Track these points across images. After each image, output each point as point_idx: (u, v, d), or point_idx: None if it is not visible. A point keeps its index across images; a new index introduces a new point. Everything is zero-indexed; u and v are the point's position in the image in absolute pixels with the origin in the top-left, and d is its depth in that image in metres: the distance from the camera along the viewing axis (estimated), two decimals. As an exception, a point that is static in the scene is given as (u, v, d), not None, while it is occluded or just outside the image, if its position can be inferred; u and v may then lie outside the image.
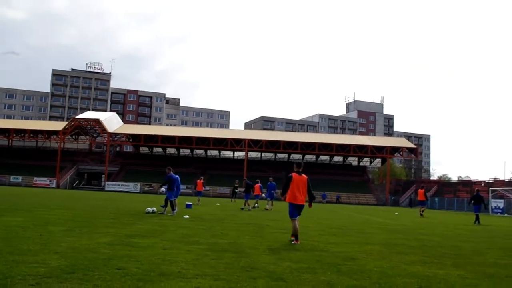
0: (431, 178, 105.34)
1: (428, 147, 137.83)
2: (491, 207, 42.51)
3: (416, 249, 8.68)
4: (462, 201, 48.18)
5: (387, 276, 5.54)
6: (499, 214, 40.45)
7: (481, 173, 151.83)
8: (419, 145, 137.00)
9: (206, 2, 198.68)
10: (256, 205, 29.00)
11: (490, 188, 44.40)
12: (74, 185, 68.33)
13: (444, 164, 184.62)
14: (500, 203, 41.89)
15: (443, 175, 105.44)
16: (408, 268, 6.28)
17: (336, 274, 5.52)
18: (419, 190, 26.99)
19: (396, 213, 29.27)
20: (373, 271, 5.88)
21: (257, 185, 29.69)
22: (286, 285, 4.75)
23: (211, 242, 8.07)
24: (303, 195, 8.82)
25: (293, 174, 8.94)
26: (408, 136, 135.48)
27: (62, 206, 17.17)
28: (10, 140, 76.07)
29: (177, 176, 15.60)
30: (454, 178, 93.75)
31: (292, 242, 8.57)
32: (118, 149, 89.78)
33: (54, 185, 64.69)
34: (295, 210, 8.79)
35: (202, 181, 27.16)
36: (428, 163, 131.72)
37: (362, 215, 24.84)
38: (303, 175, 8.97)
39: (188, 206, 20.54)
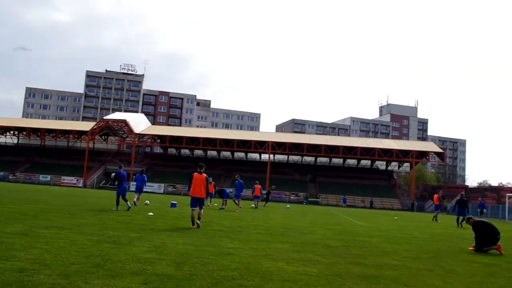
0: (466, 183, 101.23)
1: (464, 152, 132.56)
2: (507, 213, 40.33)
3: (325, 248, 8.05)
4: (487, 207, 46.62)
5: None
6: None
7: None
8: (453, 150, 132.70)
9: (239, 6, 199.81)
10: (253, 205, 28.69)
11: (507, 194, 42.13)
12: (100, 184, 69.76)
13: (483, 169, 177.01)
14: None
15: (484, 181, 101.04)
16: (272, 264, 5.68)
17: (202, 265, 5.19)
18: (434, 195, 27.33)
19: (396, 217, 28.28)
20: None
21: (257, 186, 29.28)
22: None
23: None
24: (202, 190, 11.06)
25: (195, 173, 11.18)
26: (443, 141, 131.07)
27: (33, 202, 17.59)
28: (43, 140, 78.59)
29: (125, 173, 16.26)
30: (495, 184, 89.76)
31: (194, 226, 10.92)
32: (148, 150, 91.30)
33: (81, 185, 66.19)
34: (195, 202, 11.08)
35: (212, 183, 26.31)
36: (463, 168, 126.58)
37: (347, 217, 24.28)
38: (203, 174, 11.19)
39: (172, 205, 20.51)
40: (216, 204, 24.35)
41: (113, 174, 17.16)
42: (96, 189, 62.47)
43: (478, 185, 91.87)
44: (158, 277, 4.95)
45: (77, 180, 66.85)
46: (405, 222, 22.98)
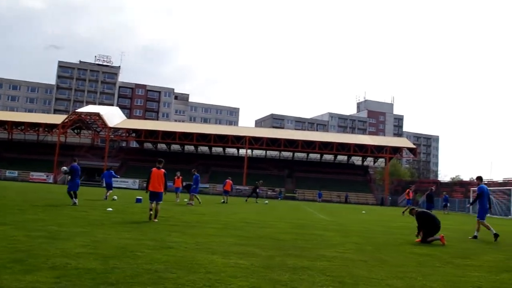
0: (439, 178, 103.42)
1: (437, 148, 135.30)
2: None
3: (267, 240, 8.03)
4: (455, 201, 48.90)
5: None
6: (488, 214, 39.34)
7: (496, 174, 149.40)
8: (427, 146, 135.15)
9: (215, 1, 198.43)
10: (223, 200, 28.70)
11: (472, 189, 43.48)
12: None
13: (456, 164, 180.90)
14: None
15: (456, 176, 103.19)
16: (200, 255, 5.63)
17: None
18: (407, 190, 28.75)
19: (364, 211, 28.72)
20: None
21: (229, 181, 29.26)
22: None
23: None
24: (160, 185, 11.73)
25: (153, 168, 11.94)
26: (417, 137, 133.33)
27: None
28: (10, 133, 75.91)
29: (79, 167, 16.23)
30: (467, 179, 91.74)
31: (151, 219, 11.50)
32: (124, 144, 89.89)
33: (51, 180, 64.57)
34: (152, 196, 11.73)
35: (180, 178, 25.90)
36: (436, 163, 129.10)
37: (314, 212, 24.52)
38: (162, 169, 11.89)
39: (138, 200, 20.32)
40: (185, 200, 24.16)
41: (65, 168, 16.87)
42: (67, 184, 61.17)
43: (450, 180, 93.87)
44: (76, 271, 4.84)
45: (47, 176, 65.01)
46: (370, 216, 23.23)
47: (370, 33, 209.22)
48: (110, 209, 14.69)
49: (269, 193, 64.10)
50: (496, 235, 11.69)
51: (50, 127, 69.74)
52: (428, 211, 10.99)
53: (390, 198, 66.10)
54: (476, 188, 9.41)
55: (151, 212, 11.61)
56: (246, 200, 32.57)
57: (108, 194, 21.71)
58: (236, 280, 4.80)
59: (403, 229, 14.43)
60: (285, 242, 8.63)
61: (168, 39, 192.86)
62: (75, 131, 75.98)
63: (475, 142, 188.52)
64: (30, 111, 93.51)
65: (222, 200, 28.91)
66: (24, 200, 16.75)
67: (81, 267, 5.03)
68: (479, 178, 12.75)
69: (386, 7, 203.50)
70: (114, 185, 27.13)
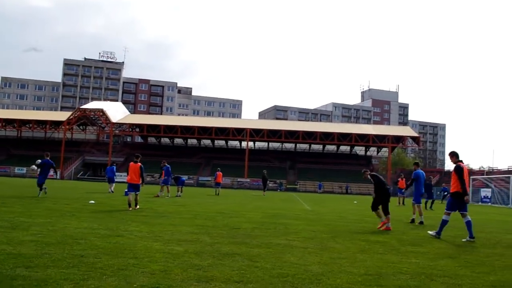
0: (445, 168, 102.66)
1: (443, 136, 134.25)
2: (481, 196, 41.41)
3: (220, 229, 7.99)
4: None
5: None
6: (489, 203, 39.23)
7: (500, 162, 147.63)
8: (433, 134, 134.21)
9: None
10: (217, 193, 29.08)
11: (471, 177, 43.23)
12: (78, 176, 69.40)
13: (465, 153, 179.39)
14: (488, 193, 40.69)
15: (466, 165, 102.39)
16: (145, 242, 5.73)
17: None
18: (399, 179, 27.24)
19: (355, 202, 28.89)
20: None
21: (219, 173, 29.69)
22: None
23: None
24: (137, 177, 13.03)
25: (131, 163, 13.28)
26: (423, 125, 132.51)
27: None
28: (19, 131, 77.39)
29: (52, 161, 17.22)
30: (476, 168, 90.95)
31: (132, 207, 12.74)
32: (129, 139, 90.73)
33: (58, 176, 65.49)
34: (131, 187, 13.13)
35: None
36: (443, 152, 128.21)
37: (302, 202, 24.52)
38: (138, 163, 13.17)
39: (126, 193, 20.70)
40: (165, 194, 24.33)
41: (39, 161, 17.41)
42: (74, 180, 62.15)
43: (479, 169, 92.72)
44: (6, 256, 5.12)
45: (54, 172, 66.11)
46: (359, 206, 23.35)
47: (374, 21, 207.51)
48: (92, 201, 15.13)
49: (270, 185, 64.41)
50: (420, 223, 12.43)
51: (56, 124, 70.93)
52: (379, 175, 11.40)
53: (392, 188, 65.96)
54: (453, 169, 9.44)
55: (130, 202, 12.93)
56: (264, 194, 31.45)
57: (112, 188, 23.57)
58: (152, 264, 5.03)
59: (375, 218, 14.62)
60: (242, 231, 8.82)
61: (172, 34, 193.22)
62: (81, 127, 76.94)
63: (483, 130, 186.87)
64: (38, 109, 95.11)
65: (216, 192, 29.35)
66: (10, 196, 17.18)
67: (14, 253, 5.32)
68: (416, 164, 13.47)
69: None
70: (117, 180, 27.79)
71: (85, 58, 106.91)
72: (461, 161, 9.48)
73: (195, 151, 77.75)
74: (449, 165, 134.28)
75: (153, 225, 9.09)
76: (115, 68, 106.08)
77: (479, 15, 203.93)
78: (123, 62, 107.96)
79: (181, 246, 6.56)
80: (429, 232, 9.81)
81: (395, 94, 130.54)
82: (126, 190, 21.21)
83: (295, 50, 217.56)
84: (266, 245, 7.07)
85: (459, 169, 9.15)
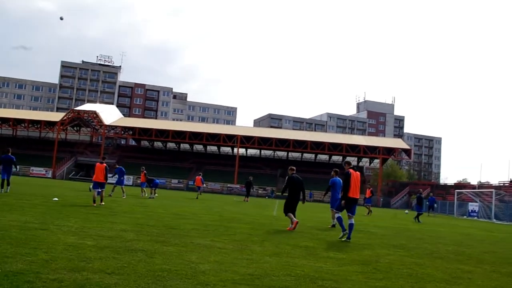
0: (441, 181, 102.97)
1: (439, 150, 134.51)
2: (468, 210, 41.40)
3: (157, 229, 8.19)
4: (446, 204, 48.46)
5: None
6: (476, 218, 39.18)
7: (493, 177, 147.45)
8: (429, 147, 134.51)
9: (214, 2, 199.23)
10: (199, 195, 29.56)
11: (456, 191, 43.27)
12: (70, 176, 69.58)
13: (460, 166, 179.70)
14: (475, 207, 40.69)
15: (463, 179, 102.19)
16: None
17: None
18: (367, 189, 27.67)
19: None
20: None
21: (198, 177, 30.08)
22: None
23: None
24: (102, 176, 14.68)
25: (97, 163, 15.07)
26: (419, 138, 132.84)
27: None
28: (15, 130, 77.89)
29: (13, 157, 17.43)
30: (474, 183, 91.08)
31: (97, 203, 14.16)
32: (123, 142, 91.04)
33: (50, 175, 65.93)
34: (96, 185, 14.61)
35: (144, 172, 26.43)
36: (438, 166, 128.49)
37: (274, 208, 24.46)
38: (104, 163, 15.02)
39: (99, 193, 21.02)
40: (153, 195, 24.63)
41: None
42: (66, 180, 62.33)
43: (457, 182, 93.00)
44: None
45: (46, 171, 66.54)
46: (327, 214, 23.36)
47: (370, 33, 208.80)
48: (56, 198, 15.34)
49: (259, 192, 64.59)
50: (333, 226, 13.28)
51: (50, 124, 71.33)
52: (299, 177, 11.74)
53: (382, 199, 66.01)
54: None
55: (96, 198, 14.37)
56: (247, 200, 31.48)
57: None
58: (42, 254, 5.28)
59: (323, 223, 14.89)
60: (176, 231, 8.98)
61: (171, 40, 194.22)
62: (75, 128, 77.34)
63: (482, 144, 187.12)
64: (34, 109, 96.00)
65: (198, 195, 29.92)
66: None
67: None
68: (336, 172, 13.44)
69: (386, 6, 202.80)
70: (109, 181, 27.78)
71: (82, 61, 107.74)
72: (353, 168, 10.23)
73: (187, 156, 78.02)
74: (444, 178, 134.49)
75: (91, 222, 9.32)
76: (112, 71, 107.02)
77: (475, 30, 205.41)
78: (120, 66, 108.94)
79: (95, 241, 6.77)
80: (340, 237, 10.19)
81: (391, 106, 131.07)
82: (91, 186, 21.64)
83: (292, 60, 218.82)
84: (184, 244, 7.24)
85: (346, 175, 9.85)
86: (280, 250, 7.52)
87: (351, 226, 9.78)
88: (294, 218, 11.33)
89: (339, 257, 7.37)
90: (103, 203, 14.56)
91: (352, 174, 9.85)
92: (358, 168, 79.36)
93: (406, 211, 31.03)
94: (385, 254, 8.40)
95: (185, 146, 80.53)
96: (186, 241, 7.61)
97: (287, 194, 11.53)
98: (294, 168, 12.05)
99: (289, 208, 11.42)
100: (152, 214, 12.79)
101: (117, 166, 23.33)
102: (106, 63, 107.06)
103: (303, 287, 4.87)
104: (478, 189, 54.44)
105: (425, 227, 18.73)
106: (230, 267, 5.58)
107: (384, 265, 6.90)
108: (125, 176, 23.51)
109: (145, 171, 25.01)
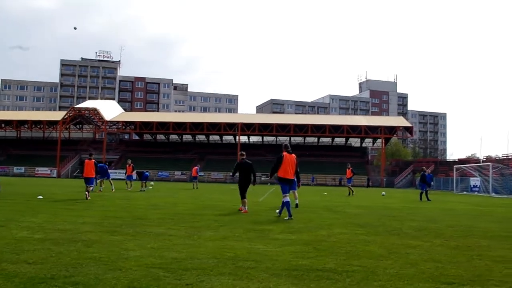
0: (447, 157, 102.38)
1: (444, 126, 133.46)
2: (470, 185, 41.29)
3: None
4: (448, 180, 48.23)
5: None
6: (476, 193, 39.12)
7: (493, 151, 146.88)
8: (434, 124, 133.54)
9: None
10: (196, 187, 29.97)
11: (455, 166, 42.91)
12: (75, 174, 70.34)
13: (467, 142, 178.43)
14: (477, 182, 40.59)
15: (472, 154, 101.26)
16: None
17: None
18: (347, 169, 27.13)
19: (325, 193, 29.09)
20: None
21: (194, 168, 30.63)
22: None
23: None
24: (92, 172, 16.40)
25: (86, 160, 16.73)
26: (424, 115, 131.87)
27: None
28: (18, 132, 78.90)
29: None
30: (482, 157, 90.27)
31: (87, 198, 15.10)
32: (127, 137, 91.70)
33: (55, 175, 66.71)
34: (87, 180, 16.16)
35: (131, 165, 26.52)
36: (444, 142, 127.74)
37: (266, 194, 24.71)
38: (92, 160, 16.60)
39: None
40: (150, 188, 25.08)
41: None
42: (71, 178, 63.09)
43: (466, 157, 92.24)
44: None
45: (51, 171, 67.39)
46: (320, 197, 23.58)
47: (369, 9, 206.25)
48: (40, 196, 15.68)
49: (262, 178, 64.78)
50: (296, 205, 13.72)
51: (52, 123, 72.08)
52: (248, 162, 12.37)
53: (385, 179, 65.72)
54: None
55: (87, 193, 15.35)
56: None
57: (102, 185, 23.56)
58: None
59: (306, 207, 15.05)
60: (141, 221, 9.21)
61: (170, 31, 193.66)
62: (77, 126, 78.04)
63: (487, 118, 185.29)
64: (37, 109, 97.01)
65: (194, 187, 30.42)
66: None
67: None
68: (285, 147, 12.90)
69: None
70: (112, 177, 28.32)
71: (81, 58, 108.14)
72: (289, 151, 10.72)
73: (189, 146, 78.46)
74: (450, 155, 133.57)
75: (57, 216, 9.66)
76: (111, 67, 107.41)
77: (478, 4, 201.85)
78: (119, 61, 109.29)
79: (45, 234, 7.05)
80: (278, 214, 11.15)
81: (394, 84, 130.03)
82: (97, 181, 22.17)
83: (292, 43, 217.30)
84: (134, 233, 7.44)
85: (278, 157, 10.61)
86: (230, 234, 7.61)
87: (288, 204, 10.46)
88: (245, 207, 12.22)
89: (287, 238, 7.38)
90: (89, 198, 15.22)
91: (285, 157, 10.54)
92: (362, 149, 79.40)
93: (383, 192, 30.75)
94: (338, 233, 8.33)
95: (187, 137, 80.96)
96: (139, 230, 7.81)
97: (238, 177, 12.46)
98: (244, 153, 12.83)
99: (241, 191, 12.28)
100: (128, 207, 13.10)
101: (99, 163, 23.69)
102: (105, 59, 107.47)
103: (220, 267, 4.99)
104: (481, 163, 54.17)
105: (409, 205, 18.66)
106: (160, 253, 5.73)
107: (327, 244, 6.86)
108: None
109: (132, 164, 25.30)
